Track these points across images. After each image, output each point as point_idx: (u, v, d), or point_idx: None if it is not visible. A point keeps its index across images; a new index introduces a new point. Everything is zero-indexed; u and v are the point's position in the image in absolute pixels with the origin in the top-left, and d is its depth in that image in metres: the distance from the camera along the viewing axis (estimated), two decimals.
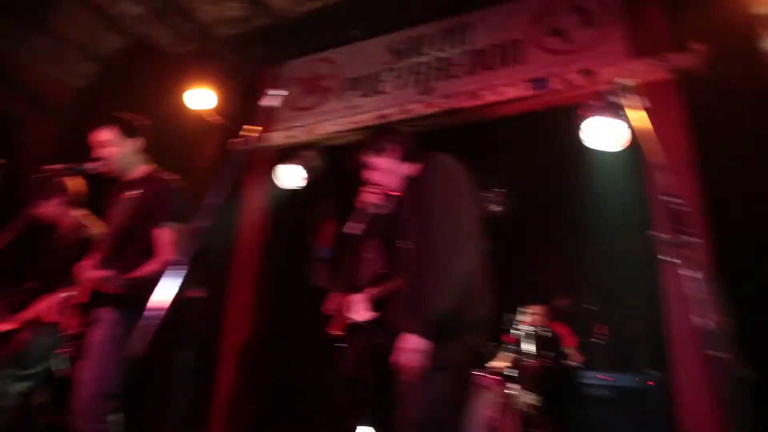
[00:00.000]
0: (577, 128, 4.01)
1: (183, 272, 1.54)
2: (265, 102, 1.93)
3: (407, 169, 2.42)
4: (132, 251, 2.80)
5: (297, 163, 4.77)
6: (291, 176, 4.79)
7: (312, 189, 5.06)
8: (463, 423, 2.19)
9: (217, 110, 5.17)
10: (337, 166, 4.96)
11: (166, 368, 4.40)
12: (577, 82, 3.86)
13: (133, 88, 6.27)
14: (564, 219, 5.10)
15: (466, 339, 2.18)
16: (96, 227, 3.60)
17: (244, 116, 5.30)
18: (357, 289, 4.18)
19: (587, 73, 3.82)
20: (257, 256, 5.00)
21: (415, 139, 2.53)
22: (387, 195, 2.47)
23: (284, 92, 1.98)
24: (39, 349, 3.33)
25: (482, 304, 2.24)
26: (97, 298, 2.75)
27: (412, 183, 2.38)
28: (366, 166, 2.47)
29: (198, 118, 5.26)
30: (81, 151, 3.12)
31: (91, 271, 2.59)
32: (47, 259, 3.61)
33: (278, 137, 4.95)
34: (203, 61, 5.29)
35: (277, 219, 5.11)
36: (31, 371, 3.30)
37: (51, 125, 6.68)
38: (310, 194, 5.61)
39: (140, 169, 3.05)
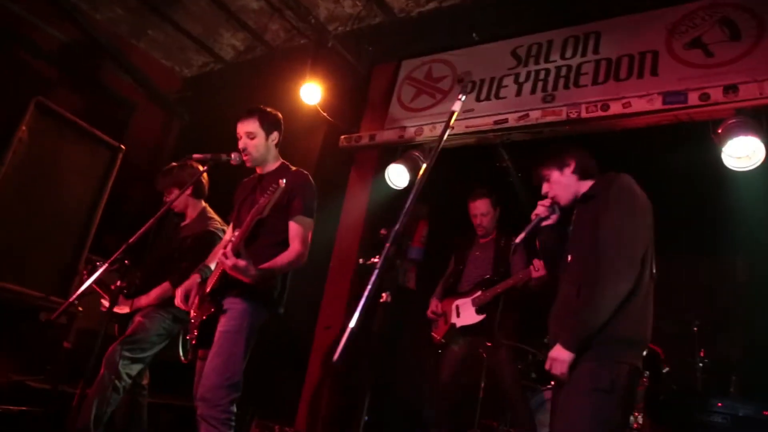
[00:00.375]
0: (708, 144, 3.84)
1: (378, 276, 1.49)
2: (455, 107, 1.91)
3: (583, 185, 2.49)
4: (265, 242, 2.82)
5: (402, 163, 4.75)
6: (398, 175, 4.78)
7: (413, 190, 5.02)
8: None
9: (328, 106, 5.22)
10: (441, 168, 4.92)
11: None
12: (717, 98, 3.66)
13: (242, 79, 6.48)
14: (677, 237, 4.90)
15: (631, 361, 2.16)
16: (217, 221, 3.67)
17: (354, 113, 5.34)
18: (461, 294, 4.10)
19: (731, 89, 3.62)
20: (355, 253, 5.00)
21: (592, 156, 2.58)
22: (557, 208, 2.55)
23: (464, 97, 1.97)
24: (154, 334, 3.42)
25: (646, 327, 2.25)
26: (227, 287, 2.79)
27: (585, 199, 2.45)
28: (544, 179, 2.56)
29: (307, 113, 5.32)
30: (187, 140, 3.17)
31: (226, 259, 2.59)
32: (167, 247, 3.70)
33: (388, 135, 4.94)
34: (316, 57, 5.37)
35: (377, 217, 5.09)
36: (145, 354, 3.39)
37: (158, 111, 6.96)
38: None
39: (276, 162, 3.09)
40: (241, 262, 2.58)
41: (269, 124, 3.00)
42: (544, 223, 2.52)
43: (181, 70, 7.10)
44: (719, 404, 3.54)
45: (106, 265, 2.64)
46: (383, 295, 1.54)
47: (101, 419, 3.13)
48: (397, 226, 1.53)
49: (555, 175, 2.51)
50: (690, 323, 4.38)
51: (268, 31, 5.97)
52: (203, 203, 3.80)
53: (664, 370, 4.23)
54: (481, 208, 4.13)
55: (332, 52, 5.40)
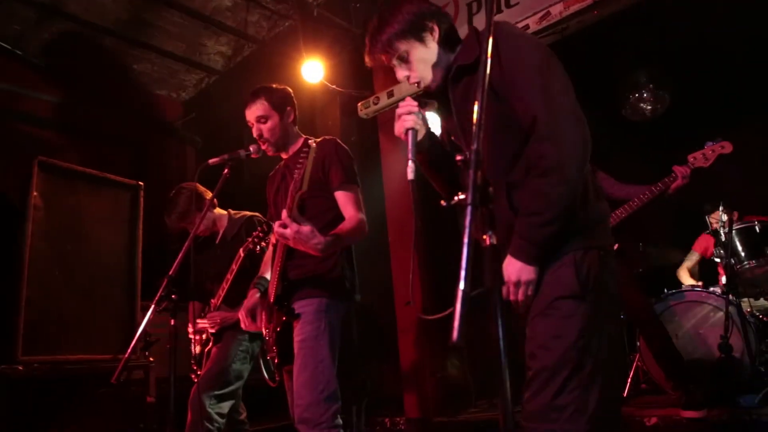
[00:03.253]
0: None
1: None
2: None
3: (450, 58, 1.79)
4: (315, 225, 2.50)
5: (429, 110, 4.33)
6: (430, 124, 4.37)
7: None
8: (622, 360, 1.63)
9: (335, 78, 4.86)
10: None
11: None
12: None
13: (241, 83, 6.14)
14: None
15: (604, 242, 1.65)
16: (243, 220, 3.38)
17: (364, 77, 4.95)
18: None
19: None
20: (411, 220, 4.62)
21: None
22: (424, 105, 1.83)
23: None
24: (233, 361, 3.14)
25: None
26: (293, 288, 2.50)
27: (463, 71, 1.74)
28: (400, 60, 1.79)
29: (316, 92, 4.97)
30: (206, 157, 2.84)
31: (285, 229, 2.18)
32: (216, 267, 3.38)
33: (406, 86, 4.52)
34: (306, 34, 4.99)
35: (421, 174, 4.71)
36: (232, 388, 3.12)
37: (170, 142, 6.73)
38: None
39: (298, 140, 2.74)
40: (305, 228, 2.18)
41: (279, 101, 2.64)
42: (420, 137, 1.78)
43: (178, 95, 6.82)
44: None
45: (153, 306, 2.36)
46: (485, 237, 1.13)
47: None
48: (474, 145, 1.11)
49: (417, 49, 1.75)
50: None
51: (249, 24, 5.61)
52: (223, 210, 3.52)
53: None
54: None
55: (321, 23, 5.01)
